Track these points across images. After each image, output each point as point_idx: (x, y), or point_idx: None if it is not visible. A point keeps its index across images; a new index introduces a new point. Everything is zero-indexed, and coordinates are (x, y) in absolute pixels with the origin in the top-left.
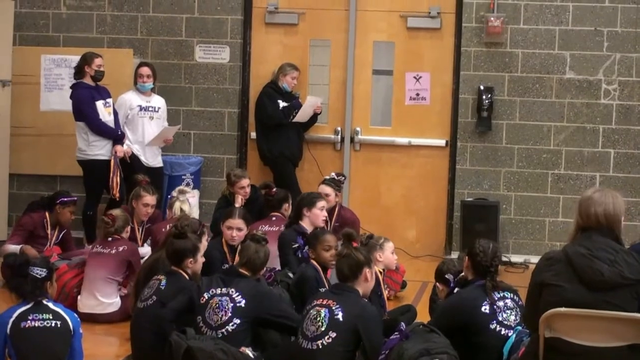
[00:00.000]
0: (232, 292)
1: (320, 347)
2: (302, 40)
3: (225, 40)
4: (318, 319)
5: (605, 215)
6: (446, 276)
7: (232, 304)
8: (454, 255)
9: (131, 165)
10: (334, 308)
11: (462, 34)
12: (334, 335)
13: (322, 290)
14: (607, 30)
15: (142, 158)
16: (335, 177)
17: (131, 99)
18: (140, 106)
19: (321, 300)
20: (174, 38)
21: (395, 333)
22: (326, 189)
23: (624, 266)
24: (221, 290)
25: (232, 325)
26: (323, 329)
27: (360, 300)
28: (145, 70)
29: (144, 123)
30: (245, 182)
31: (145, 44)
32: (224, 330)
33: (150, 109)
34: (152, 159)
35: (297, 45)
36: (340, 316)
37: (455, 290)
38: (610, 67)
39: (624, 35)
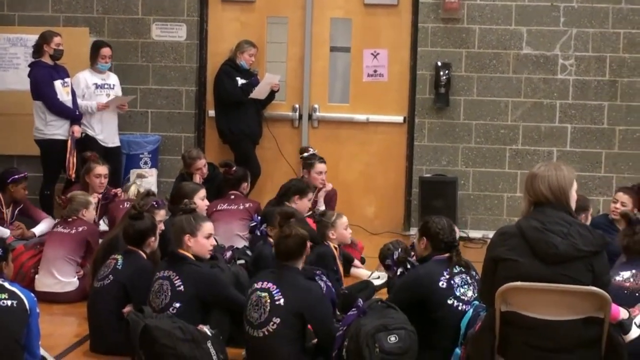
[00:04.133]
0: (172, 275)
1: (267, 333)
2: (259, 17)
3: (182, 18)
4: (259, 304)
5: (551, 189)
6: (386, 263)
7: (171, 288)
8: (413, 231)
9: (88, 147)
10: (273, 292)
11: (419, 11)
12: (277, 320)
13: (262, 272)
14: (563, 6)
15: (100, 137)
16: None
17: (87, 77)
18: (96, 84)
19: (261, 283)
20: (130, 16)
21: (353, 309)
22: (322, 167)
23: (577, 239)
24: (164, 273)
25: (172, 310)
26: (266, 315)
27: (301, 281)
28: (108, 51)
29: (101, 101)
30: (201, 162)
31: (101, 23)
32: (165, 314)
33: (106, 86)
34: (110, 139)
35: (254, 23)
36: (281, 301)
37: (399, 271)
38: (566, 43)
39: (581, 10)
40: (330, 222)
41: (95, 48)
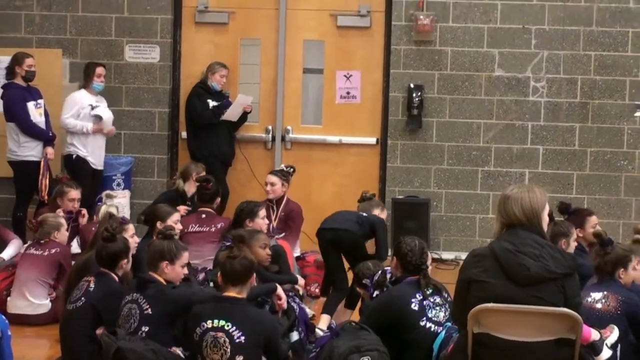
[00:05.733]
0: (140, 299)
1: None
2: (232, 39)
3: (155, 39)
4: (218, 345)
5: (524, 211)
6: (363, 282)
7: (139, 312)
8: None
9: (78, 167)
10: (230, 331)
11: (392, 33)
12: (241, 358)
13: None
14: (535, 28)
15: (90, 159)
16: (284, 168)
17: (82, 97)
18: (91, 105)
19: (211, 322)
20: (104, 38)
21: (326, 331)
22: (272, 178)
23: (549, 260)
24: (132, 297)
25: (141, 334)
26: (228, 356)
27: (252, 312)
28: (103, 70)
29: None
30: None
31: (74, 44)
32: (138, 336)
33: (99, 107)
34: (98, 161)
35: (228, 44)
36: (242, 339)
37: (375, 293)
38: (538, 65)
39: (552, 32)
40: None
41: (90, 68)
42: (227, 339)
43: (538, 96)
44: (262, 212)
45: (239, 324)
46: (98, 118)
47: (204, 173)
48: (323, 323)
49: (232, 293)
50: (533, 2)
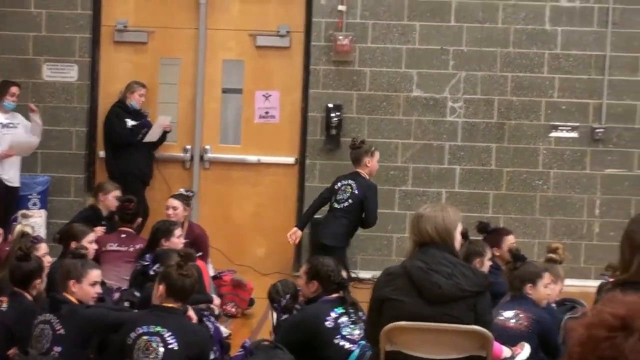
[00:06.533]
0: (53, 319)
1: None
2: (152, 58)
3: (73, 58)
4: (149, 349)
5: (437, 230)
6: (274, 305)
7: (52, 332)
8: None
9: None
10: (166, 337)
11: (310, 53)
12: None
13: (140, 313)
14: (452, 49)
15: (5, 177)
16: (184, 192)
17: None
18: (2, 124)
19: (147, 327)
20: (21, 56)
21: (240, 349)
22: (174, 202)
23: (461, 279)
24: (44, 317)
25: (54, 354)
26: None
27: (188, 324)
28: (17, 90)
29: (7, 140)
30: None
31: None
32: (51, 355)
33: (10, 125)
34: (15, 179)
35: (147, 64)
36: (174, 346)
37: (283, 316)
38: (455, 85)
39: (470, 54)
40: None
41: (4, 86)
42: (160, 344)
43: (455, 116)
44: (178, 231)
45: (174, 331)
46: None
47: (118, 192)
48: None
49: (171, 305)
50: (451, 23)
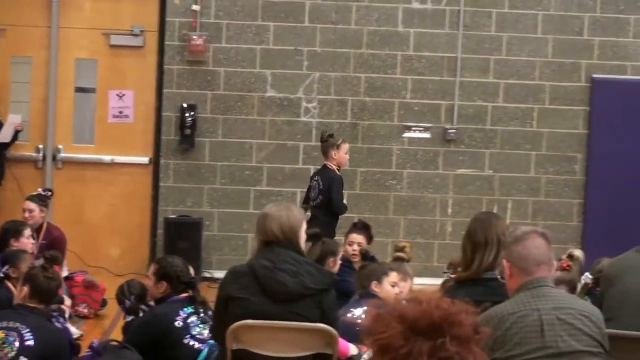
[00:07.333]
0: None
1: None
2: (2, 57)
3: None
4: (6, 343)
5: (282, 229)
6: (121, 306)
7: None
8: None
9: None
10: (23, 333)
11: (165, 53)
12: None
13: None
14: (307, 50)
15: None
16: (42, 192)
17: None
18: None
19: (6, 323)
20: None
21: (88, 350)
22: (30, 205)
23: (306, 277)
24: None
25: None
26: (13, 355)
27: (48, 324)
28: None
29: None
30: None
31: None
32: None
33: None
34: None
35: None
36: (31, 342)
37: (129, 318)
38: (310, 86)
39: (324, 55)
40: None
41: None
42: (17, 339)
43: (310, 117)
44: (28, 232)
45: (33, 329)
46: None
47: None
48: None
49: (35, 305)
50: (305, 24)
